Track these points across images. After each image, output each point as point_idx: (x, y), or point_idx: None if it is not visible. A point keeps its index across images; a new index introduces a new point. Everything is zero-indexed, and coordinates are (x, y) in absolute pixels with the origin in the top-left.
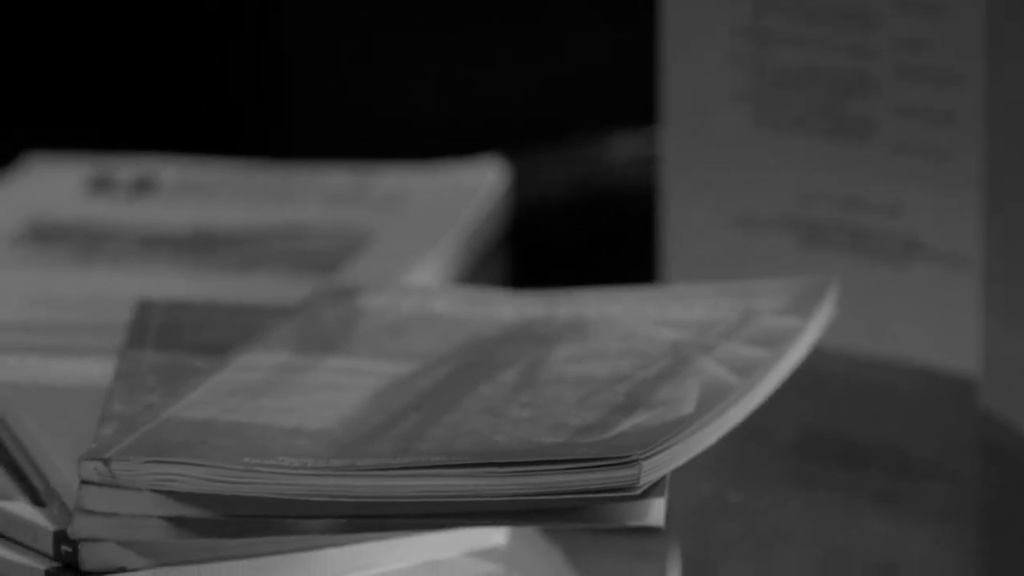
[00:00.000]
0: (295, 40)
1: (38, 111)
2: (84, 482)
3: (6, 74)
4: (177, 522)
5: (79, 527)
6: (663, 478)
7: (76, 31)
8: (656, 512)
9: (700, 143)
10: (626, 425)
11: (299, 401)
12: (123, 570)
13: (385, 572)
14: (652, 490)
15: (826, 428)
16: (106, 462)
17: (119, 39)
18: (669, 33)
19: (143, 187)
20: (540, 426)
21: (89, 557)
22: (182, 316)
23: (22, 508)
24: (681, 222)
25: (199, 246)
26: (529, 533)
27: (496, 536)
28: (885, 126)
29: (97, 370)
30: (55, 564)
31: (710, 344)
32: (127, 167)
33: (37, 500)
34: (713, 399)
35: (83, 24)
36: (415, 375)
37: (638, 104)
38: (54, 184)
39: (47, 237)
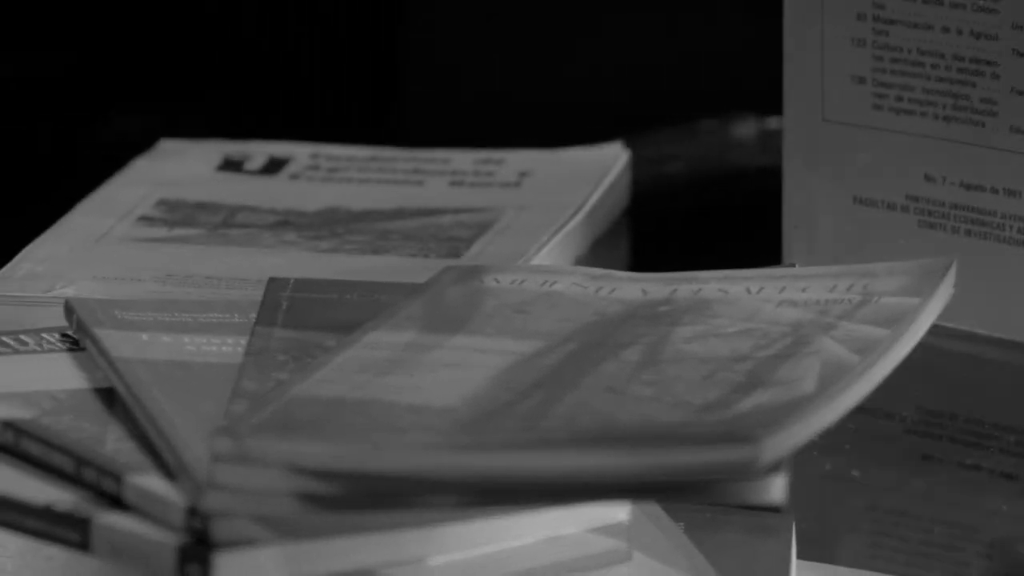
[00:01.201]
0: (422, 29)
1: (172, 102)
2: (215, 457)
3: (145, 64)
4: (306, 497)
5: (210, 502)
6: (784, 456)
7: (206, 25)
8: (777, 490)
9: (821, 126)
10: (747, 404)
11: (425, 379)
12: (253, 544)
13: (508, 547)
14: (773, 468)
15: (946, 407)
16: (237, 438)
17: (250, 31)
18: (792, 17)
19: (274, 168)
20: (662, 404)
21: (220, 531)
22: (312, 294)
23: (154, 482)
24: (802, 203)
25: (329, 226)
26: (651, 509)
27: (618, 512)
28: (1004, 109)
29: (228, 347)
30: (186, 539)
31: (830, 324)
32: (259, 150)
33: (169, 475)
34: (833, 378)
35: (212, 17)
36: (539, 354)
37: (760, 87)
38: (187, 165)
39: (179, 216)
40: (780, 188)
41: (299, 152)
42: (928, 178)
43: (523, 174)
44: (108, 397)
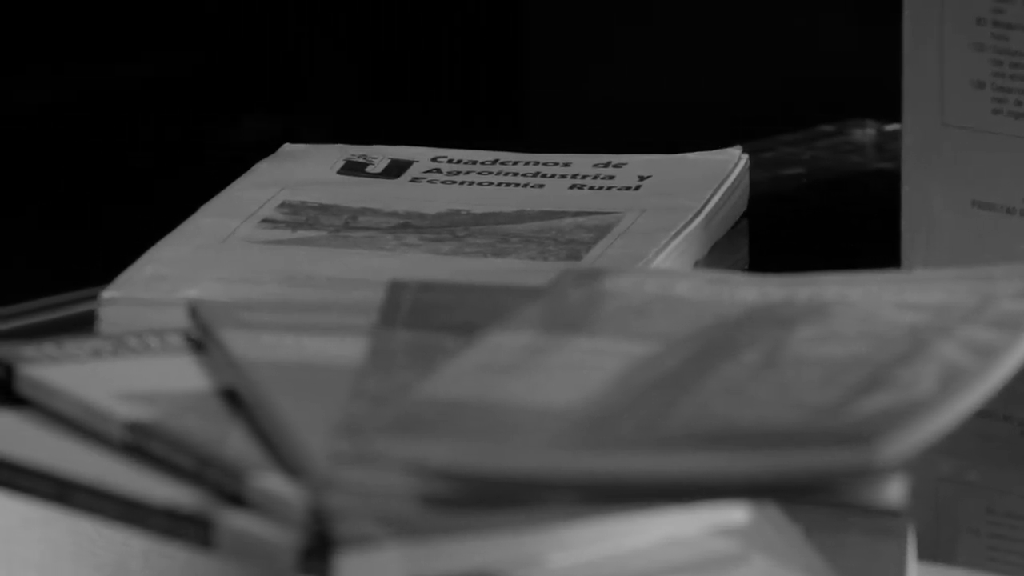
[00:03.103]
0: (543, 34)
1: (298, 103)
2: (336, 458)
3: (272, 69)
4: (427, 498)
5: (331, 502)
6: (902, 459)
7: (330, 31)
8: (895, 492)
9: (940, 130)
10: (866, 407)
11: (545, 381)
12: (374, 545)
13: (627, 548)
14: (892, 471)
15: None
16: (358, 438)
17: (373, 38)
18: (911, 21)
19: (396, 171)
20: (781, 406)
21: (341, 532)
22: (433, 296)
23: (276, 483)
24: (920, 207)
25: (449, 229)
26: (769, 511)
27: (737, 514)
28: None
29: (349, 349)
30: (308, 539)
31: (949, 327)
32: (381, 153)
33: (291, 475)
34: (952, 382)
35: (335, 23)
36: (658, 356)
37: (879, 92)
38: (310, 168)
39: (302, 219)
40: (899, 192)
41: (420, 155)
42: None
43: (643, 178)
44: (230, 398)
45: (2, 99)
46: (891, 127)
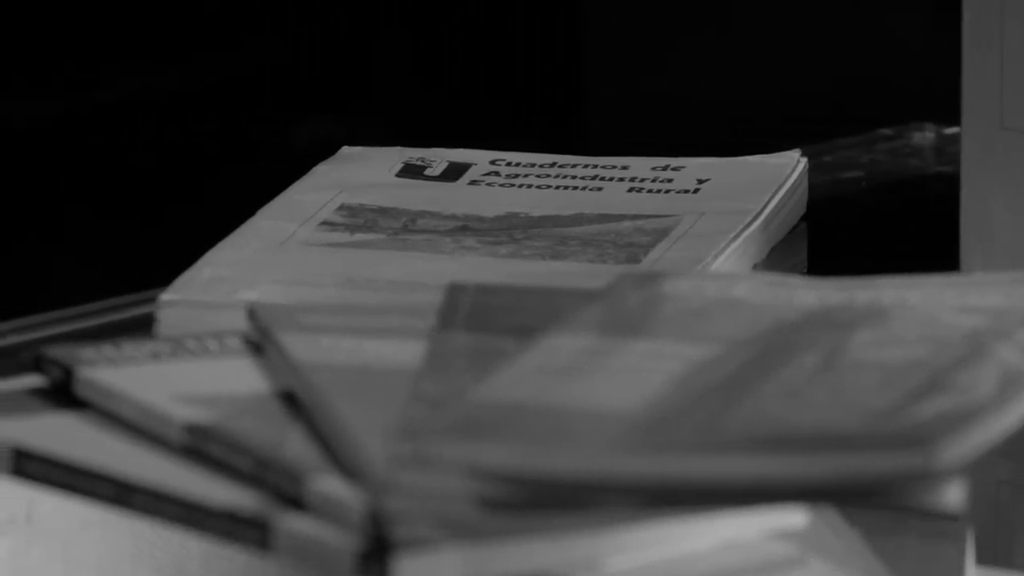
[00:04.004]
0: (600, 39)
1: (357, 103)
2: (395, 461)
3: (330, 71)
4: (485, 501)
5: (390, 505)
6: (961, 462)
7: (387, 34)
8: (954, 496)
9: (999, 134)
10: (925, 410)
11: (603, 383)
12: (432, 547)
13: (685, 551)
14: (950, 474)
15: None
16: (417, 441)
17: (431, 41)
18: (971, 25)
19: (454, 174)
20: (840, 410)
21: (399, 534)
22: (491, 299)
23: (334, 485)
24: (979, 210)
25: (507, 231)
26: (827, 515)
27: (794, 518)
28: None
29: (408, 352)
30: (366, 542)
31: (1007, 331)
32: (439, 156)
33: (348, 479)
34: (1011, 385)
35: (392, 27)
36: (717, 359)
37: (939, 95)
38: (368, 170)
39: (361, 221)
40: (958, 195)
41: (479, 158)
42: None
43: (701, 181)
44: (288, 401)
45: (63, 99)
46: (950, 130)
